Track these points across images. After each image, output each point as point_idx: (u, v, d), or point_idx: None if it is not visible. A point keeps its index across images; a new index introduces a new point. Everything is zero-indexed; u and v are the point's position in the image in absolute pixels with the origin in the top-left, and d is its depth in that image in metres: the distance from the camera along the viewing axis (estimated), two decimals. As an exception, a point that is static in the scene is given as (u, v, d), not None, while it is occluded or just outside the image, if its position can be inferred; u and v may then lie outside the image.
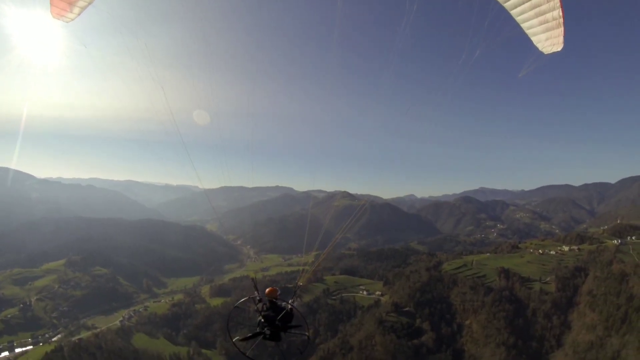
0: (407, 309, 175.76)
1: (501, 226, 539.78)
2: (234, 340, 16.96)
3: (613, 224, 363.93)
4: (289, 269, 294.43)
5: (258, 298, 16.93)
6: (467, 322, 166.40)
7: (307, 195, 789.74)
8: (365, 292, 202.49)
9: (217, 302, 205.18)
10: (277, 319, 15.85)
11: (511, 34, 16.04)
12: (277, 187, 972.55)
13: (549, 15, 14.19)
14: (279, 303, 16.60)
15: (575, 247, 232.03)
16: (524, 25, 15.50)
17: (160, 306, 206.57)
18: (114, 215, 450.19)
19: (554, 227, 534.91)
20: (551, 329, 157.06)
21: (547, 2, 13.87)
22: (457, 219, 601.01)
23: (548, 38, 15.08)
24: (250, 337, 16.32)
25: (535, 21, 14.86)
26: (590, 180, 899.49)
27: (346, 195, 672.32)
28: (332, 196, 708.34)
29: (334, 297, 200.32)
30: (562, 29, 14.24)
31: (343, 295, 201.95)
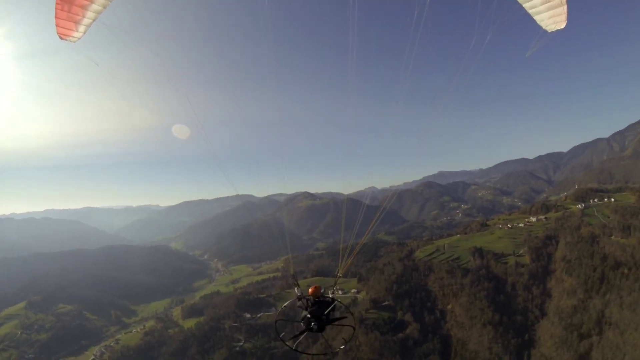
0: (386, 303, 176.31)
1: (465, 206, 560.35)
2: (286, 342, 18.55)
3: (572, 190, 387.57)
4: (259, 278, 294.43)
5: (298, 295, 18.29)
6: (449, 307, 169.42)
7: (268, 200, 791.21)
8: (340, 292, 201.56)
9: (190, 323, 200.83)
10: (323, 314, 17.22)
11: (510, 17, 16.74)
12: (237, 196, 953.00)
13: None
14: (322, 299, 17.98)
15: (542, 217, 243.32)
16: (526, 5, 16.26)
17: (132, 337, 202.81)
18: (74, 246, 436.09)
19: (516, 200, 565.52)
20: (533, 300, 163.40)
21: None
22: (420, 205, 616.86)
23: (551, 16, 15.90)
24: (299, 335, 18.03)
25: (538, 1, 15.71)
26: (544, 151, 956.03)
27: (307, 195, 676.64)
28: (293, 198, 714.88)
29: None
30: (565, 6, 15.12)
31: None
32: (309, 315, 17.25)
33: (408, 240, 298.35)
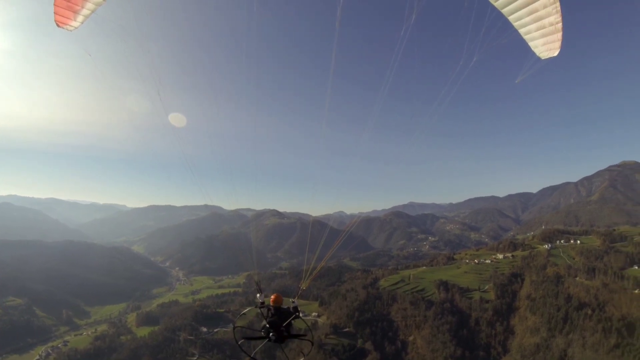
0: (347, 329, 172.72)
1: (433, 238, 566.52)
2: (239, 343, 18.03)
3: (539, 230, 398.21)
4: (220, 292, 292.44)
5: (261, 302, 18.05)
6: (411, 338, 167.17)
7: (236, 214, 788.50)
8: (301, 314, 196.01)
9: (144, 331, 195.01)
10: (282, 325, 16.95)
11: (505, 40, 16.93)
12: (205, 206, 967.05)
13: (546, 21, 15.19)
14: (283, 309, 17.71)
15: (509, 255, 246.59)
16: (521, 31, 16.51)
17: (81, 340, 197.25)
18: (33, 236, 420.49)
19: (483, 236, 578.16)
20: (496, 336, 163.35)
21: (545, 7, 14.80)
22: (388, 233, 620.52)
23: (545, 43, 16.15)
24: (253, 338, 18.01)
25: (533, 26, 15.89)
26: (513, 191, 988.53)
27: (275, 213, 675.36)
28: (261, 214, 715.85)
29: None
30: (559, 34, 15.26)
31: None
32: (267, 325, 17.09)
33: (373, 268, 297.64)
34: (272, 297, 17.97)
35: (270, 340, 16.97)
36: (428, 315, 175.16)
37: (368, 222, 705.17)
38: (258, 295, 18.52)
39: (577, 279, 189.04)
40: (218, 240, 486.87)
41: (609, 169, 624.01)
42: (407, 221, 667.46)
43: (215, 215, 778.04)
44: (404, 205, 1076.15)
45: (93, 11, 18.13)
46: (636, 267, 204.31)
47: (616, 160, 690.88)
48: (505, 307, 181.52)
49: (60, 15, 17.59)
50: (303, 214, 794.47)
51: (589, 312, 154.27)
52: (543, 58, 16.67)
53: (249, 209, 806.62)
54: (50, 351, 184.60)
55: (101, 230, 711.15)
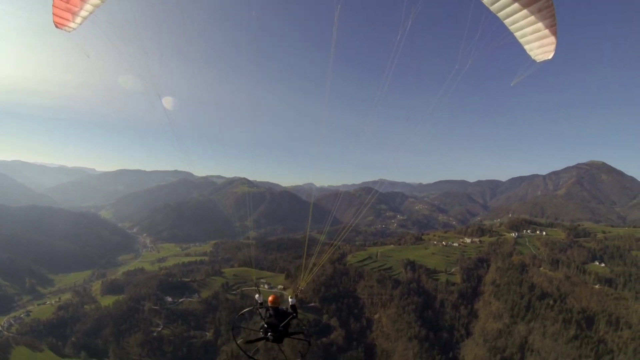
0: (312, 304, 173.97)
1: (401, 217, 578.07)
2: (238, 342, 19.13)
3: (506, 218, 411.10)
4: (186, 260, 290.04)
5: (260, 303, 18.63)
6: (376, 316, 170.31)
7: (206, 180, 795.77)
8: (266, 286, 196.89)
9: (108, 301, 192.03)
10: (280, 326, 17.38)
11: (501, 42, 17.42)
12: (176, 171, 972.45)
13: (540, 25, 15.79)
14: (281, 309, 18.07)
15: (476, 240, 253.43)
16: (517, 34, 17.02)
17: (45, 310, 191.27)
18: None
19: (451, 219, 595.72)
20: (460, 319, 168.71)
21: (540, 11, 15.41)
22: (357, 208, 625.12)
23: (540, 46, 16.70)
24: (253, 341, 18.14)
25: (528, 30, 16.41)
26: (483, 177, 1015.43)
27: (245, 181, 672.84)
28: (231, 182, 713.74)
29: (233, 292, 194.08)
30: (554, 37, 15.90)
31: (243, 289, 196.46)
32: (266, 325, 17.66)
33: (341, 243, 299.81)
34: (270, 298, 18.39)
35: (268, 340, 17.56)
36: (394, 294, 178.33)
37: (336, 195, 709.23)
38: (257, 296, 19.16)
39: (541, 269, 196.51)
40: (187, 208, 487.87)
41: (577, 167, 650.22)
42: (376, 197, 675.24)
43: (186, 181, 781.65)
44: (374, 182, 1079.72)
45: (91, 12, 18.35)
46: (597, 263, 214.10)
47: (585, 159, 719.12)
48: (470, 291, 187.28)
49: (59, 16, 17.94)
50: (273, 184, 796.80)
51: (551, 302, 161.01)
52: (538, 61, 17.27)
53: (219, 176, 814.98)
54: (13, 322, 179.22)
55: (69, 194, 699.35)
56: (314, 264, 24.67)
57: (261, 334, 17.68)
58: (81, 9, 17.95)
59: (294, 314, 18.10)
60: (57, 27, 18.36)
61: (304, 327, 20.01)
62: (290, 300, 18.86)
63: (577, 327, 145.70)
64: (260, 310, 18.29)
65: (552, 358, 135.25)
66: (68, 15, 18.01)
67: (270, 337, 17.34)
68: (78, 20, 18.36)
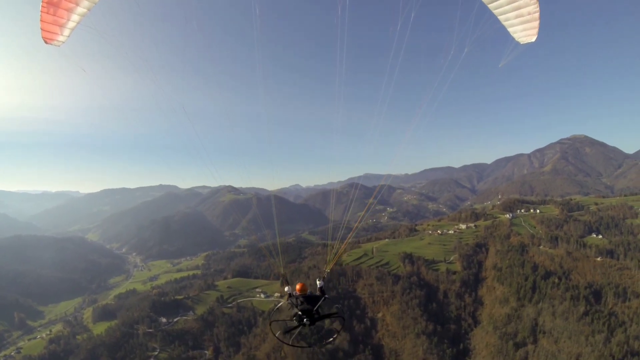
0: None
1: (391, 209, 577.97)
2: (276, 335, 21.35)
3: (497, 200, 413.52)
4: (178, 276, 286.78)
5: (288, 293, 19.77)
6: (380, 315, 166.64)
7: (191, 192, 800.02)
8: (262, 295, 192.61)
9: (101, 328, 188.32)
10: (314, 309, 18.65)
11: (488, 31, 18.48)
12: (160, 185, 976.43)
13: (524, 10, 17.17)
14: (311, 295, 19.41)
15: (471, 225, 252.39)
16: (501, 18, 18.14)
17: (36, 345, 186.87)
18: None
19: (441, 206, 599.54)
20: (465, 308, 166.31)
21: None
22: (345, 205, 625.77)
23: (524, 29, 17.90)
24: (291, 329, 20.14)
25: (512, 14, 17.65)
26: (468, 161, 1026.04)
27: (231, 189, 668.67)
28: (216, 191, 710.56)
29: (229, 305, 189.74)
30: (537, 22, 17.22)
31: (239, 301, 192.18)
32: (300, 312, 18.65)
33: (333, 242, 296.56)
34: (298, 286, 19.65)
35: (304, 325, 18.73)
36: (396, 290, 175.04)
37: (324, 194, 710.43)
38: (287, 288, 19.99)
39: (541, 247, 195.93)
40: (174, 221, 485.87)
41: (560, 142, 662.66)
42: (364, 192, 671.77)
43: (171, 194, 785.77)
44: (360, 177, 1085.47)
45: (78, 23, 18.32)
46: (594, 235, 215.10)
47: (567, 134, 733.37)
48: (472, 278, 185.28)
49: (47, 31, 17.77)
50: (259, 189, 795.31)
51: (556, 280, 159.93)
52: (522, 43, 18.46)
53: (204, 187, 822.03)
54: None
55: (55, 220, 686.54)
56: (337, 250, 25.08)
57: (296, 322, 18.97)
58: (68, 19, 17.95)
59: (325, 296, 19.46)
60: (46, 42, 18.18)
61: (337, 306, 25.55)
62: (318, 283, 20.27)
63: (586, 303, 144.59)
64: (291, 299, 19.38)
65: (566, 337, 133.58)
66: (56, 29, 17.98)
67: (307, 322, 18.57)
68: (66, 32, 18.37)
